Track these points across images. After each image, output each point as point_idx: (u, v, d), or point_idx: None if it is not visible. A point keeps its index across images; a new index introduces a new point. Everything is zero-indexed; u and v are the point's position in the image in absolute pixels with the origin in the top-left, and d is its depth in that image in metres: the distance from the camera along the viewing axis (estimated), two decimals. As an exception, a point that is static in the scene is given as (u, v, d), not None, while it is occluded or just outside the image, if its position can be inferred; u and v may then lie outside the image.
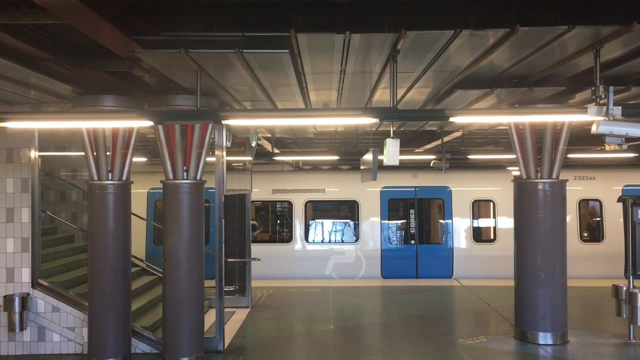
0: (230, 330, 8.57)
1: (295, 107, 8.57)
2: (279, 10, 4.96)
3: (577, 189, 13.21)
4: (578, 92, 7.37)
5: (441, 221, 13.59)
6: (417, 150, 14.59)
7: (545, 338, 7.76)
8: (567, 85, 7.15)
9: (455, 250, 13.31)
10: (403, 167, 14.97)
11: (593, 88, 5.63)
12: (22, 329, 7.44)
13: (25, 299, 7.45)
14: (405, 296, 11.17)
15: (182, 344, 7.12)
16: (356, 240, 13.45)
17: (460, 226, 13.43)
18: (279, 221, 13.91)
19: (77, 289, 7.95)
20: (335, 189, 13.88)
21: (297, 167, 16.58)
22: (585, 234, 13.55)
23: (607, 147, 5.68)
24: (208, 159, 7.52)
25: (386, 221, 13.47)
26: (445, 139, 12.64)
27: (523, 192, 8.00)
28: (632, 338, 7.89)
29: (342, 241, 13.61)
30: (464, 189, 13.63)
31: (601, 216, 13.35)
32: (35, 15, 4.55)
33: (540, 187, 7.81)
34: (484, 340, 8.05)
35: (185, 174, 7.18)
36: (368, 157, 8.43)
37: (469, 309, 10.13)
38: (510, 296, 8.32)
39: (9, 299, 7.36)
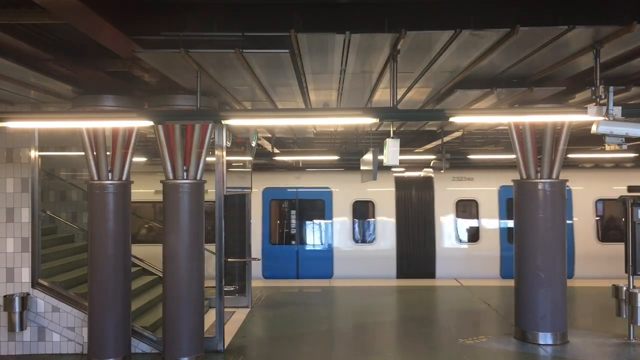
0: (230, 330, 8.57)
1: (295, 107, 8.57)
2: (279, 10, 4.96)
3: (456, 190, 13.35)
4: (578, 92, 7.37)
5: (321, 222, 13.53)
6: (417, 150, 14.61)
7: (545, 338, 7.76)
8: (567, 85, 7.15)
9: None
10: (286, 168, 15.01)
11: (593, 88, 5.63)
12: (22, 328, 7.44)
13: (25, 299, 7.45)
14: (405, 296, 11.18)
15: (182, 344, 7.12)
16: None
17: (338, 226, 13.32)
18: None
19: (77, 289, 7.95)
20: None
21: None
22: (462, 235, 13.48)
23: (607, 147, 5.68)
24: (208, 158, 7.53)
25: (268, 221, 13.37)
26: (445, 139, 12.65)
27: (523, 192, 8.00)
28: (632, 338, 7.89)
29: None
30: (345, 191, 13.51)
31: (477, 217, 13.30)
32: (35, 15, 4.55)
33: (540, 187, 7.81)
34: (484, 340, 8.05)
35: (185, 173, 7.19)
36: (368, 157, 8.43)
37: (469, 309, 10.13)
38: (510, 296, 8.32)
39: (9, 299, 7.36)
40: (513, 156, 8.11)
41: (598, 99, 5.58)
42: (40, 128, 7.65)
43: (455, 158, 13.68)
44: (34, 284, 7.62)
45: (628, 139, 5.42)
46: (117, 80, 6.62)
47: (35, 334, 7.60)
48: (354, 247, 13.32)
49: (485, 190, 13.38)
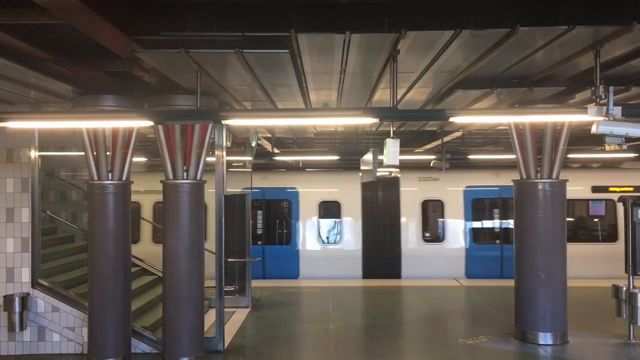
0: (230, 330, 8.57)
1: (295, 107, 8.57)
2: (279, 10, 4.96)
3: (422, 190, 13.34)
4: (578, 92, 7.38)
5: (288, 222, 13.51)
6: (417, 150, 14.61)
7: (545, 338, 7.77)
8: (567, 85, 7.16)
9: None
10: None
11: (593, 88, 5.63)
12: (22, 328, 7.44)
13: (25, 299, 7.45)
14: (404, 296, 11.18)
15: (182, 344, 7.12)
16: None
17: (306, 226, 13.33)
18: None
19: (77, 289, 7.95)
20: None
21: None
22: (428, 234, 13.45)
23: (607, 147, 5.68)
24: (208, 159, 7.52)
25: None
26: (445, 139, 12.65)
27: (523, 192, 8.00)
28: (632, 338, 7.90)
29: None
30: (311, 192, 13.50)
31: (443, 217, 13.27)
32: (35, 15, 4.55)
33: (540, 187, 7.82)
34: (484, 340, 8.05)
35: (185, 173, 7.19)
36: (368, 157, 8.44)
37: (469, 309, 10.13)
38: (510, 296, 8.32)
39: (9, 299, 7.36)
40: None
41: (598, 99, 5.58)
42: (40, 128, 7.65)
43: (456, 158, 13.69)
44: (34, 284, 7.62)
45: (628, 139, 5.41)
46: (117, 80, 6.62)
47: (35, 334, 7.60)
48: (319, 248, 13.30)
49: (451, 190, 13.33)
